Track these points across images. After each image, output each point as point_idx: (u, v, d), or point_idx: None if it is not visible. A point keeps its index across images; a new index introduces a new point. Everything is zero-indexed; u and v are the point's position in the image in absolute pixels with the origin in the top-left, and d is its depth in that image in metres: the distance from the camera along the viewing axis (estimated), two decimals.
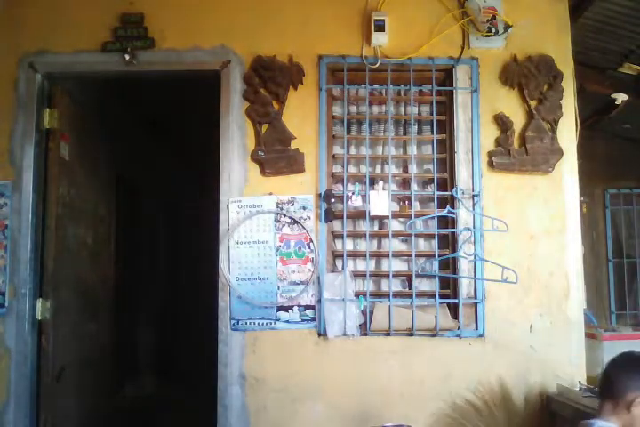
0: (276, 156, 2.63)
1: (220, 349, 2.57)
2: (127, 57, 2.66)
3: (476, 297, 2.58)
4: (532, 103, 2.66)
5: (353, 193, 2.63)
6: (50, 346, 2.69)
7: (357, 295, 2.57)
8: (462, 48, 2.69)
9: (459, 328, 2.56)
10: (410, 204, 2.67)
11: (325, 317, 2.54)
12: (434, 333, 2.55)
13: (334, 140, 2.73)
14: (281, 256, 2.59)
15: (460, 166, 2.65)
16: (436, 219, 2.63)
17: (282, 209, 2.61)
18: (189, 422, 4.17)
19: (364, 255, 2.64)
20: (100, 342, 3.27)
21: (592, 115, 4.04)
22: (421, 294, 2.65)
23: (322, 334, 2.55)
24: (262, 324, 2.56)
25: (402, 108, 2.84)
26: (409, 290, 2.65)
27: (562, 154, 2.64)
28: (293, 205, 2.61)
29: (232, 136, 2.65)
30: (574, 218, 2.63)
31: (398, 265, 2.72)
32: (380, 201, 2.62)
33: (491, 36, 2.63)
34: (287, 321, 2.56)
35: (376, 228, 2.75)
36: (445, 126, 2.73)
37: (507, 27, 2.63)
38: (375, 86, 2.74)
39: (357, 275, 2.65)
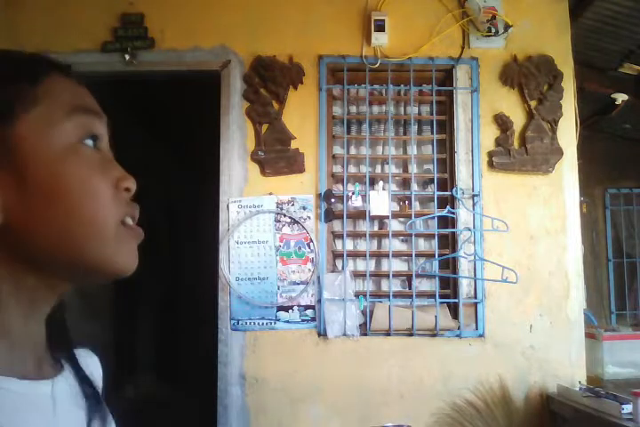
0: (276, 156, 2.63)
1: (220, 349, 2.57)
2: (127, 57, 2.66)
3: (475, 297, 2.58)
4: (532, 103, 2.66)
5: (353, 193, 2.63)
6: None
7: (357, 295, 2.57)
8: (462, 48, 2.69)
9: (459, 328, 2.56)
10: (410, 204, 2.67)
11: (325, 317, 2.54)
12: (434, 333, 2.55)
13: (334, 140, 2.73)
14: (281, 256, 2.59)
15: (460, 166, 2.65)
16: (436, 219, 2.63)
17: (282, 209, 2.61)
18: (189, 423, 4.17)
19: (364, 255, 2.64)
20: (99, 342, 3.27)
21: (592, 115, 4.03)
22: (421, 294, 2.65)
23: (322, 334, 2.55)
24: (262, 324, 2.56)
25: (402, 108, 2.84)
26: (409, 290, 2.65)
27: (562, 154, 2.64)
28: (293, 205, 2.61)
29: (232, 136, 2.65)
30: (574, 218, 2.63)
31: (398, 265, 2.72)
32: (380, 201, 2.62)
33: (491, 36, 2.63)
34: (287, 321, 2.56)
35: (376, 228, 2.75)
36: (445, 126, 2.73)
37: (507, 27, 2.63)
38: (375, 86, 2.74)
39: (357, 275, 2.65)
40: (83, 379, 0.64)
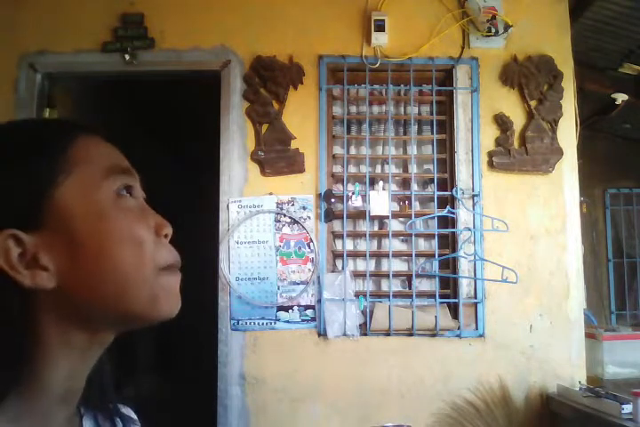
0: (276, 156, 2.63)
1: (220, 349, 2.57)
2: (127, 57, 2.66)
3: (475, 297, 2.58)
4: (532, 103, 2.66)
5: (353, 193, 2.63)
6: None
7: (357, 295, 2.57)
8: (462, 48, 2.69)
9: (459, 328, 2.56)
10: (410, 204, 2.67)
11: (325, 317, 2.54)
12: (434, 333, 2.55)
13: (334, 140, 2.73)
14: (281, 256, 2.59)
15: (460, 166, 2.65)
16: (436, 219, 2.63)
17: (282, 209, 2.61)
18: (189, 423, 4.17)
19: (364, 255, 2.64)
20: None
21: (592, 115, 4.03)
22: (421, 294, 2.65)
23: (322, 334, 2.55)
24: (262, 324, 2.56)
25: (402, 108, 2.83)
26: (409, 290, 2.65)
27: (562, 154, 2.64)
28: (293, 205, 2.61)
29: (232, 136, 2.65)
30: (574, 218, 2.63)
31: (398, 265, 2.72)
32: (380, 201, 2.62)
33: (491, 36, 2.63)
34: (287, 321, 2.56)
35: (376, 228, 2.74)
36: (445, 126, 2.73)
37: (507, 27, 2.63)
38: (375, 86, 2.74)
39: (357, 275, 2.65)
40: None
